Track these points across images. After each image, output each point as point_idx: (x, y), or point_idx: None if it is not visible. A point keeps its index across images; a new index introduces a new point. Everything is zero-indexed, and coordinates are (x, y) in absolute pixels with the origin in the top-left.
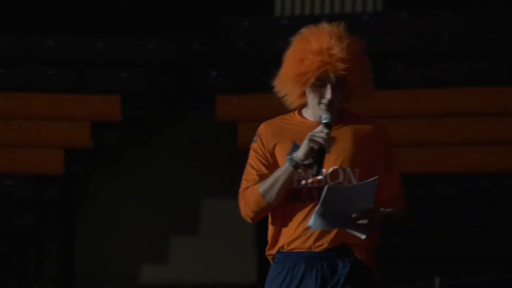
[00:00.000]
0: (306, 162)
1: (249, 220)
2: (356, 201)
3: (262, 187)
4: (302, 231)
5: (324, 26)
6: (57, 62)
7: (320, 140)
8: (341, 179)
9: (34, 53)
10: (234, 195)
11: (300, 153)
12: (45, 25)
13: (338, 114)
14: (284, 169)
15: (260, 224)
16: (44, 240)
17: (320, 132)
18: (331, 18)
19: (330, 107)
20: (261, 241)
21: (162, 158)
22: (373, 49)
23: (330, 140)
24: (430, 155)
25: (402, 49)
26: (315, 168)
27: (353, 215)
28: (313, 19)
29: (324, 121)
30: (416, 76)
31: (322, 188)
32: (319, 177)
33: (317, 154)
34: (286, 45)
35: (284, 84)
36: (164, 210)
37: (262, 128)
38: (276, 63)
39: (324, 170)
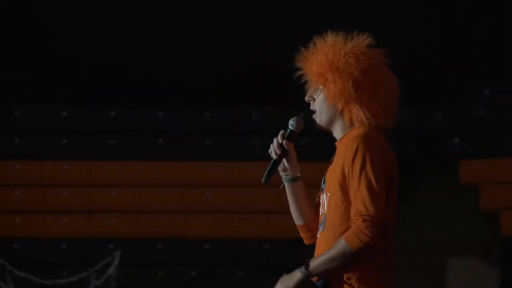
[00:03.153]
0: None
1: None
2: None
3: None
4: None
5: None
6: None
7: (271, 147)
8: (322, 207)
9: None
10: (478, 255)
11: None
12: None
13: (342, 136)
14: None
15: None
16: None
17: (275, 138)
18: None
19: (314, 114)
20: None
21: (407, 219)
22: None
23: (279, 147)
24: None
25: None
26: (264, 176)
27: None
28: None
29: (289, 128)
30: None
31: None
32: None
33: (271, 162)
34: None
35: None
36: (410, 269)
37: None
38: None
39: (267, 178)
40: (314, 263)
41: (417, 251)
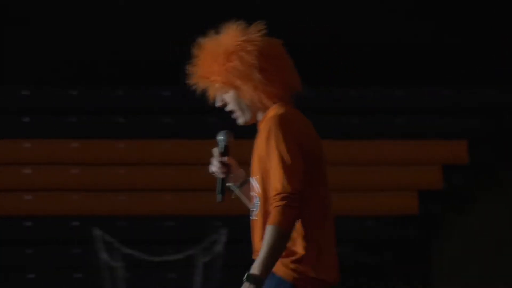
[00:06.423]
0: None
1: None
2: None
3: None
4: None
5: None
6: (406, 110)
7: (212, 169)
8: (252, 189)
9: (383, 103)
10: None
11: None
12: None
13: (262, 119)
14: None
15: None
16: (404, 276)
17: (213, 158)
18: None
19: (233, 114)
20: None
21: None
22: None
23: (223, 166)
24: None
25: None
26: (218, 196)
27: None
28: None
29: (221, 143)
30: None
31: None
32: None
33: (219, 181)
34: None
35: None
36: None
37: None
38: None
39: (221, 197)
40: (258, 265)
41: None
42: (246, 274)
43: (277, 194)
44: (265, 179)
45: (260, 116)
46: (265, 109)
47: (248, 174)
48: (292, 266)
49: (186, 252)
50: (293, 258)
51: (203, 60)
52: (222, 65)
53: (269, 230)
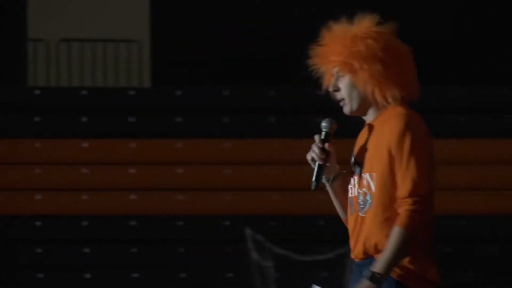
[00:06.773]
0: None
1: None
2: None
3: None
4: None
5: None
6: None
7: (311, 155)
8: (361, 186)
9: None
10: None
11: None
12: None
13: (376, 116)
14: None
15: None
16: None
17: (314, 144)
18: None
19: (341, 102)
20: None
21: None
22: None
23: (322, 152)
24: None
25: None
26: (313, 183)
27: None
28: None
29: (324, 130)
30: None
31: (355, 200)
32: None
33: (316, 168)
34: None
35: None
36: None
37: None
38: None
39: (315, 184)
40: (382, 264)
41: None
42: (370, 272)
43: (409, 196)
44: (387, 178)
45: (371, 114)
46: (377, 106)
47: (341, 169)
48: (405, 265)
49: (336, 251)
50: (408, 258)
51: (329, 41)
52: (346, 47)
53: (397, 231)
